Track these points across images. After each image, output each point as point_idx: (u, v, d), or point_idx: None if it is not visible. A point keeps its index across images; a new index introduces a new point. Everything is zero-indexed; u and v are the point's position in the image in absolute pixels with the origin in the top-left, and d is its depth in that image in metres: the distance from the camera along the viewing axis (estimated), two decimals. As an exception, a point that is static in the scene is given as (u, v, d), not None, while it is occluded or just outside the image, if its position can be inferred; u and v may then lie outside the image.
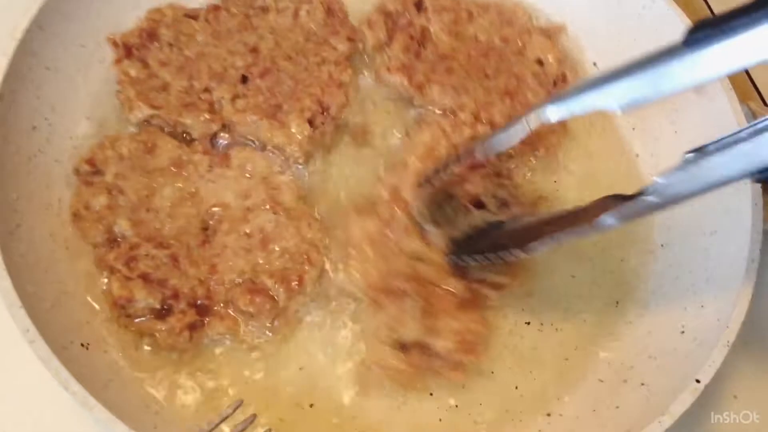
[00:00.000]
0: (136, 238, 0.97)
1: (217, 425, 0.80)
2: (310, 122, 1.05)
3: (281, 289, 0.95)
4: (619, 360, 1.02)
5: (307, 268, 0.97)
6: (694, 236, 1.06)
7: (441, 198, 1.01)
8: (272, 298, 0.94)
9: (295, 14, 1.16)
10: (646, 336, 1.03)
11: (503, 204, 1.01)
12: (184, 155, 1.03)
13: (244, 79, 1.08)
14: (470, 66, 1.15)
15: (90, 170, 1.01)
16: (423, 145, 1.04)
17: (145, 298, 0.93)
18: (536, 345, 1.03)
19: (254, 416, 0.85)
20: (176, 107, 1.04)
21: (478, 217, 1.00)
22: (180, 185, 1.01)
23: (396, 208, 1.00)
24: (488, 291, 0.99)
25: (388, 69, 1.13)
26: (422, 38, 1.17)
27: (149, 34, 1.10)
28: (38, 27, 1.00)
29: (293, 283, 0.96)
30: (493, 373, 1.00)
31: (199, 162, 1.03)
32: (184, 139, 1.06)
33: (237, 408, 0.84)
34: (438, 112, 1.11)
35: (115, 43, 1.08)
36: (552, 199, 1.10)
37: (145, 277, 0.94)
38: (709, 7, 1.40)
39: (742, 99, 1.09)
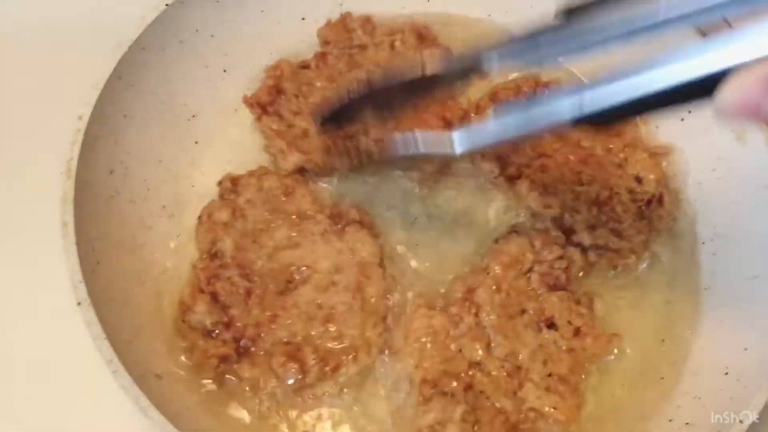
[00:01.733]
0: (230, 260, 1.03)
1: None
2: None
3: (316, 368, 0.98)
4: (664, 399, 1.04)
5: (349, 360, 1.00)
6: (737, 280, 1.09)
7: (513, 310, 1.02)
8: (304, 371, 0.97)
9: (392, 45, 1.22)
10: (691, 376, 1.05)
11: (577, 332, 1.01)
12: (311, 211, 1.09)
13: None
14: (566, 169, 1.15)
15: (230, 187, 1.09)
16: (509, 256, 1.05)
17: (202, 314, 0.98)
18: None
19: None
20: (322, 149, 1.11)
21: (548, 339, 1.01)
22: (292, 234, 1.07)
23: (467, 311, 1.01)
24: (540, 422, 0.96)
25: (483, 155, 1.16)
26: None
27: (277, 89, 1.17)
28: (117, 77, 1.07)
29: (328, 368, 0.98)
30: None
31: (319, 222, 1.08)
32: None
33: None
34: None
35: (251, 104, 1.16)
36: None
37: (214, 296, 1.00)
38: None
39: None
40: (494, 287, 1.03)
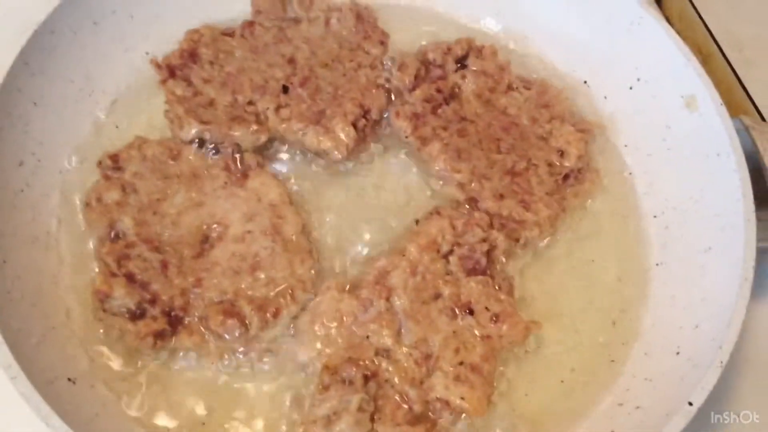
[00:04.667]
0: (134, 237, 0.98)
1: None
2: (354, 125, 1.08)
3: (256, 318, 0.94)
4: (614, 382, 1.00)
5: (287, 302, 0.97)
6: (690, 254, 1.05)
7: (428, 295, 0.98)
8: (245, 324, 0.94)
9: (327, 23, 1.19)
10: (642, 358, 1.01)
11: (495, 318, 0.97)
12: (204, 168, 1.05)
13: (285, 89, 1.11)
14: (486, 136, 1.12)
15: (111, 165, 1.03)
16: (427, 237, 1.01)
17: (122, 297, 0.94)
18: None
19: None
20: (225, 121, 1.06)
21: (463, 326, 0.97)
22: (192, 195, 1.03)
23: (378, 295, 0.97)
24: (446, 413, 0.92)
25: (397, 113, 1.12)
26: (450, 95, 1.16)
27: (190, 54, 1.13)
28: (23, 63, 1.01)
29: (268, 314, 0.95)
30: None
31: (216, 177, 1.05)
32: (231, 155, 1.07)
33: None
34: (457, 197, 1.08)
35: (158, 65, 1.11)
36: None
37: (129, 277, 0.95)
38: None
39: (734, 114, 1.08)
40: (409, 270, 0.98)
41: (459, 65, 1.20)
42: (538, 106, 1.17)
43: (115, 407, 0.92)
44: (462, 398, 0.91)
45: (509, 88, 1.18)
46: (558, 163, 1.12)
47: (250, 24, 1.18)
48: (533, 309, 1.04)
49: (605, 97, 1.21)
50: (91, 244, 1.02)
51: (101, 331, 0.96)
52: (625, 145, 1.18)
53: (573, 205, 1.11)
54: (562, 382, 1.00)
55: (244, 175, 1.05)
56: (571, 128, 1.14)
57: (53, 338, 0.93)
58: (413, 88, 1.15)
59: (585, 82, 1.23)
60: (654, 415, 0.90)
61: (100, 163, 1.04)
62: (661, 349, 0.99)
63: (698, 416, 0.84)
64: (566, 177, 1.12)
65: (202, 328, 0.95)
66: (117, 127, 1.13)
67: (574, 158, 1.12)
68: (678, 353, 0.96)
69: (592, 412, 0.97)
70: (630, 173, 1.17)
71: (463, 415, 0.92)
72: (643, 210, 1.13)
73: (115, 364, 0.95)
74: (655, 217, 1.12)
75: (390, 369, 0.94)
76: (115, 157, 1.04)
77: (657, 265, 1.08)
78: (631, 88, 1.17)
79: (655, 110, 1.14)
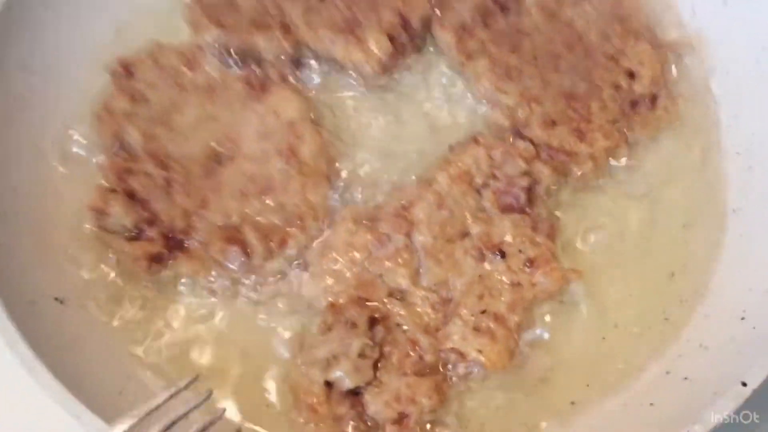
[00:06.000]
0: (141, 151, 0.93)
1: (167, 399, 0.73)
2: (390, 37, 0.97)
3: (260, 246, 0.88)
4: (665, 345, 0.88)
5: (296, 232, 0.89)
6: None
7: (454, 232, 0.88)
8: (247, 252, 0.88)
9: None
10: (701, 320, 0.89)
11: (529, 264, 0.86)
12: (222, 80, 0.98)
13: None
14: (543, 52, 0.98)
15: (122, 73, 0.97)
16: (460, 166, 0.91)
17: (119, 215, 0.89)
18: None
19: (210, 392, 0.77)
20: (247, 27, 0.98)
21: (490, 270, 0.87)
22: (206, 108, 0.96)
23: (398, 230, 0.88)
24: (460, 366, 0.84)
25: (441, 24, 1.00)
26: (506, 4, 1.02)
27: None
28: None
29: (273, 243, 0.88)
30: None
31: (234, 90, 0.97)
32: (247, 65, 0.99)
33: (191, 383, 0.76)
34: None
35: None
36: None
37: (130, 194, 0.90)
38: None
39: None
40: (435, 203, 0.89)
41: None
42: (612, 20, 1.02)
43: (103, 330, 0.88)
44: (479, 351, 0.82)
45: (581, -3, 1.03)
46: (627, 87, 0.98)
47: None
48: (576, 256, 0.92)
49: (693, 12, 1.03)
50: (95, 160, 0.96)
51: (98, 251, 0.91)
52: (712, 69, 1.01)
53: (639, 136, 0.97)
54: (603, 339, 0.89)
55: (264, 89, 0.97)
56: (647, 46, 0.99)
57: (46, 255, 0.89)
58: None
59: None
60: (700, 391, 0.79)
61: (112, 71, 0.97)
62: (724, 312, 0.87)
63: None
64: (635, 103, 0.97)
65: (202, 254, 0.89)
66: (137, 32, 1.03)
67: (648, 82, 0.98)
68: (743, 318, 0.84)
69: (635, 378, 0.87)
70: (714, 102, 1.00)
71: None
72: (724, 146, 0.98)
73: (111, 286, 0.90)
74: (738, 154, 0.97)
75: (402, 313, 0.86)
76: (126, 64, 0.98)
77: (733, 211, 0.94)
78: (725, 3, 1.00)
79: (750, 30, 0.97)
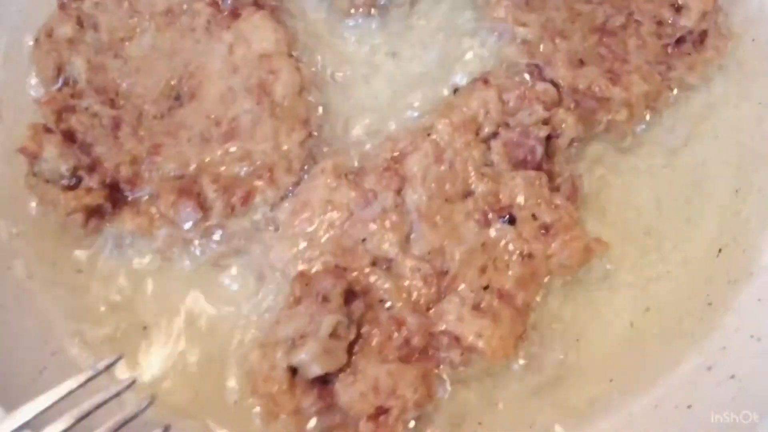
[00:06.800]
0: (85, 85, 0.85)
1: (88, 380, 0.63)
2: None
3: (219, 201, 0.79)
4: (707, 335, 0.78)
5: (263, 185, 0.79)
6: None
7: (454, 191, 0.79)
8: (204, 208, 0.78)
9: None
10: (752, 304, 0.78)
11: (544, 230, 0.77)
12: (185, 2, 0.89)
13: None
14: None
15: None
16: (464, 112, 0.81)
17: (54, 159, 0.80)
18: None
19: (133, 380, 0.67)
20: None
21: (496, 238, 0.77)
22: (165, 36, 0.88)
23: (387, 186, 0.78)
24: (454, 352, 0.73)
25: None
26: None
27: None
28: None
29: (235, 199, 0.78)
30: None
31: (198, 14, 0.89)
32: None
33: (115, 362, 0.65)
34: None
35: None
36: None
37: (68, 135, 0.82)
38: None
39: None
40: (433, 155, 0.79)
41: None
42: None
43: (28, 297, 0.79)
44: (479, 335, 0.72)
45: None
46: (671, 21, 0.88)
47: None
48: (604, 223, 0.83)
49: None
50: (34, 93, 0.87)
51: (30, 201, 0.81)
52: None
53: (684, 81, 0.87)
54: (631, 325, 0.80)
55: (234, 14, 0.88)
56: None
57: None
58: None
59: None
60: (752, 393, 0.71)
61: None
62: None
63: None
64: (680, 41, 0.89)
65: (150, 209, 0.79)
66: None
67: (696, 16, 0.88)
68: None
69: (668, 374, 0.77)
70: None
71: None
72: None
73: (42, 243, 0.80)
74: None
75: (387, 286, 0.77)
76: None
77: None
78: None
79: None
